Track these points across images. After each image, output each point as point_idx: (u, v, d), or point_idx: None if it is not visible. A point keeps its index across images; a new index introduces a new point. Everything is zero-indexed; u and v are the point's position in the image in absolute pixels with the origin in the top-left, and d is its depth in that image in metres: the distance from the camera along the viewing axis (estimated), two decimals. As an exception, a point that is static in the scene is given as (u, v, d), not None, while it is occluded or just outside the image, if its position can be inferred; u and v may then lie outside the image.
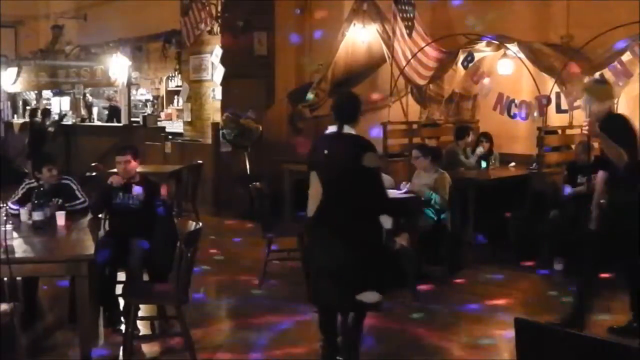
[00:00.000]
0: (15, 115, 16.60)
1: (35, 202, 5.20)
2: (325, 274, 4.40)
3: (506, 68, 8.76)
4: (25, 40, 17.49)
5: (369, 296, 4.34)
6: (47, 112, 14.63)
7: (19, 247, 4.57)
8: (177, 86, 13.42)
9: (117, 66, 13.77)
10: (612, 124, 4.89)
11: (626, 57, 7.61)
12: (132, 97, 14.83)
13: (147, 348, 5.06)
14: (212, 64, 11.15)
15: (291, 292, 6.37)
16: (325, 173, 4.38)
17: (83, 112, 16.11)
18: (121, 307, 5.31)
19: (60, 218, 5.23)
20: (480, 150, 8.63)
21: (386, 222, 4.33)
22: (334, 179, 4.36)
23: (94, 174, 8.61)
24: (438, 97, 9.63)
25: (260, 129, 10.36)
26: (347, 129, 4.37)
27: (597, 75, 7.89)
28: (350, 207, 4.31)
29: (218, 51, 10.95)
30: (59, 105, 16.53)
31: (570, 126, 8.20)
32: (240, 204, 9.89)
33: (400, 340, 5.14)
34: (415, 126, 9.04)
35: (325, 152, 4.41)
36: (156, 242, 5.27)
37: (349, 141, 4.38)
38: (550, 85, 8.04)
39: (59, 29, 16.12)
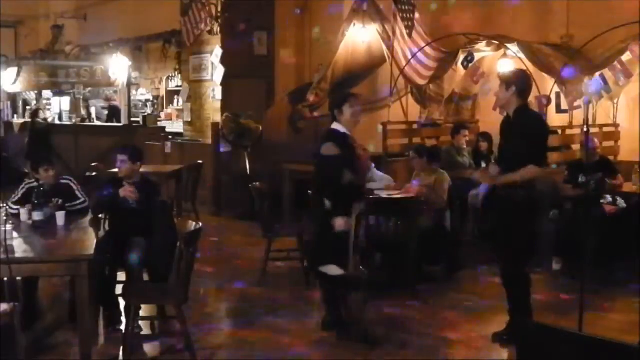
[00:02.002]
0: (15, 115, 16.59)
1: (35, 202, 5.20)
2: None
3: (506, 68, 8.74)
4: (25, 40, 17.49)
5: (332, 269, 4.95)
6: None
7: (19, 247, 4.57)
8: (177, 86, 13.42)
9: (117, 66, 13.75)
10: (524, 121, 4.88)
11: (626, 57, 7.62)
12: (132, 97, 14.83)
13: (147, 348, 5.06)
14: (212, 64, 11.15)
15: (291, 292, 6.37)
16: None
17: (83, 112, 16.11)
18: (121, 307, 5.32)
19: (60, 218, 5.23)
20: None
21: (326, 203, 4.93)
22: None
23: (94, 174, 8.58)
24: (438, 97, 9.62)
25: (260, 129, 10.36)
26: (335, 125, 5.02)
27: (597, 75, 7.90)
28: (315, 192, 5.14)
29: (218, 51, 10.95)
30: (59, 105, 16.53)
31: (571, 126, 8.20)
32: (240, 204, 9.88)
33: (400, 340, 5.13)
34: (415, 126, 9.04)
35: None
36: (156, 242, 5.26)
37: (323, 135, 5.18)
38: (550, 85, 8.04)
39: (59, 29, 16.10)
